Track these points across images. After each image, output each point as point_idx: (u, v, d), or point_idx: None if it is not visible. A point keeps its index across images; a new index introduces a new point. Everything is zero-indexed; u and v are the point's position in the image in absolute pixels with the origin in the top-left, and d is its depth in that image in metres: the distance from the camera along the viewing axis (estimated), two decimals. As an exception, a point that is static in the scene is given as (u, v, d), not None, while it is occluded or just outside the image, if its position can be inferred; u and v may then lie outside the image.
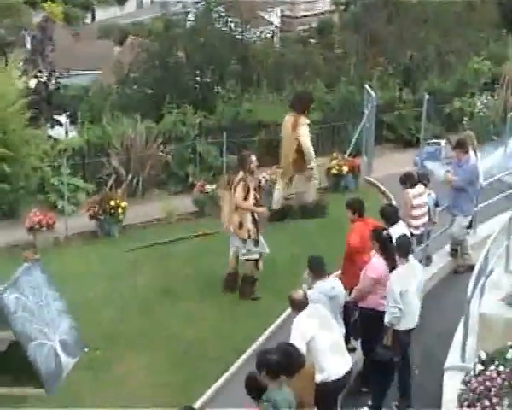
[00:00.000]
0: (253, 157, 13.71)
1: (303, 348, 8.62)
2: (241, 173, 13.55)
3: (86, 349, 12.21)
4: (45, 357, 11.39)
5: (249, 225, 13.48)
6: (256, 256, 13.69)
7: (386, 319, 9.93)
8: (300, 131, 17.16)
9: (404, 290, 9.84)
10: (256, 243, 13.59)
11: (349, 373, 9.34)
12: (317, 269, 9.97)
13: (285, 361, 7.90)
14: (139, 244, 16.70)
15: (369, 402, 10.32)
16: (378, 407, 10.25)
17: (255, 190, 13.62)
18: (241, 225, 13.50)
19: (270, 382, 7.58)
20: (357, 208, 11.50)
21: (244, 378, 7.90)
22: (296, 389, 7.92)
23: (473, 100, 24.51)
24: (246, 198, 13.42)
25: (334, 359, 9.08)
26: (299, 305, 9.16)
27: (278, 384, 7.60)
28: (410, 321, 10.03)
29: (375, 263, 10.33)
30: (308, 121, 17.49)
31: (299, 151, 17.24)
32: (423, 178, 13.75)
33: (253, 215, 13.58)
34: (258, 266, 13.79)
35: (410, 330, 10.14)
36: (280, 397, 7.54)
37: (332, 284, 10.01)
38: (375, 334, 10.16)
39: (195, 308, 13.61)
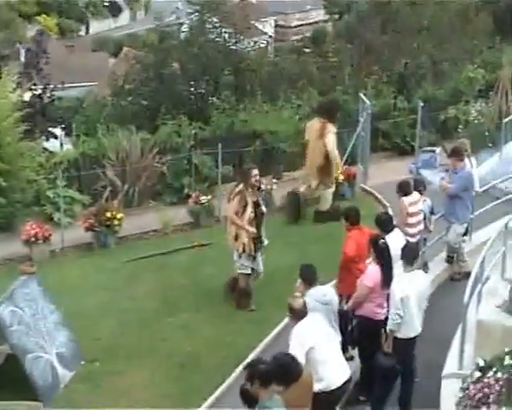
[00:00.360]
0: (255, 171, 13.51)
1: (301, 358, 8.60)
2: (240, 186, 13.46)
3: (83, 362, 12.18)
4: (42, 370, 11.35)
5: (244, 239, 13.30)
6: (248, 271, 13.56)
7: (388, 326, 9.92)
8: (328, 140, 17.55)
9: (404, 297, 9.81)
10: (252, 258, 13.46)
11: (347, 382, 9.32)
12: (309, 277, 9.95)
13: (282, 371, 7.88)
14: (137, 255, 16.70)
15: (368, 411, 10.32)
16: (377, 415, 10.24)
17: (255, 204, 13.41)
18: (236, 237, 13.41)
19: (263, 391, 7.53)
20: (352, 217, 11.51)
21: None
22: (293, 398, 7.90)
23: (467, 107, 24.57)
24: (243, 212, 13.32)
25: (332, 368, 9.06)
26: (299, 314, 9.13)
27: (270, 393, 7.56)
28: (409, 329, 9.96)
29: (371, 271, 10.34)
30: (335, 130, 17.88)
31: (326, 158, 17.53)
32: (419, 186, 13.75)
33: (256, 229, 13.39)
34: (249, 280, 13.68)
35: (410, 339, 10.06)
36: (273, 406, 7.48)
37: (323, 290, 10.00)
38: (372, 342, 10.15)
39: (193, 319, 13.61)
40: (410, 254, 10.23)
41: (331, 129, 17.67)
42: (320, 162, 17.74)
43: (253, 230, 13.26)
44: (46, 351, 11.59)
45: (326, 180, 18.08)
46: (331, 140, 17.64)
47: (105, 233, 17.56)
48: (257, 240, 13.40)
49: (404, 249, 10.33)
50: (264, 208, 13.64)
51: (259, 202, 13.54)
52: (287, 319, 10.20)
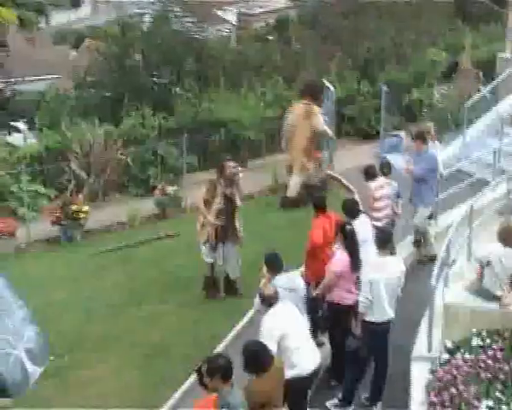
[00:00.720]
0: (231, 163, 13.46)
1: (272, 346, 8.59)
2: (215, 177, 13.37)
3: (52, 357, 12.08)
4: (11, 367, 11.22)
5: (209, 228, 13.30)
6: (211, 260, 13.54)
7: (359, 309, 9.94)
8: (317, 121, 17.78)
9: (373, 281, 9.81)
10: (213, 249, 13.42)
11: (319, 368, 9.35)
12: (273, 265, 9.93)
13: (253, 360, 7.89)
14: (104, 248, 16.62)
15: (340, 395, 10.33)
16: (348, 400, 10.27)
17: (227, 197, 13.25)
18: (203, 226, 13.38)
19: (223, 385, 7.44)
20: (319, 203, 11.52)
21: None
22: (265, 387, 7.91)
23: (431, 90, 24.66)
24: (212, 203, 13.20)
25: (304, 354, 9.07)
26: (270, 301, 9.11)
27: (231, 387, 7.47)
28: (378, 313, 9.94)
29: (339, 257, 10.34)
30: (319, 110, 18.04)
31: (312, 139, 17.73)
32: (384, 170, 13.79)
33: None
34: (214, 270, 13.66)
35: (380, 324, 10.05)
36: (234, 400, 7.40)
37: (289, 277, 9.97)
38: (342, 327, 10.19)
39: (160, 309, 13.59)
40: (383, 239, 10.23)
41: (316, 110, 17.76)
42: (305, 145, 17.81)
43: (215, 221, 13.21)
44: (14, 347, 11.48)
45: (307, 164, 18.08)
46: (321, 121, 17.77)
47: (71, 227, 17.47)
48: (223, 232, 13.33)
49: (377, 234, 10.34)
50: (238, 201, 13.48)
51: (233, 195, 13.36)
52: (256, 307, 10.16)
